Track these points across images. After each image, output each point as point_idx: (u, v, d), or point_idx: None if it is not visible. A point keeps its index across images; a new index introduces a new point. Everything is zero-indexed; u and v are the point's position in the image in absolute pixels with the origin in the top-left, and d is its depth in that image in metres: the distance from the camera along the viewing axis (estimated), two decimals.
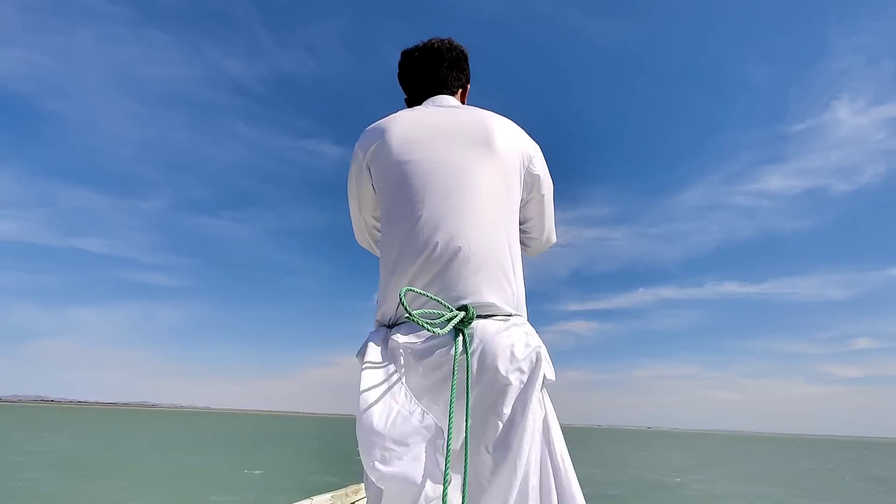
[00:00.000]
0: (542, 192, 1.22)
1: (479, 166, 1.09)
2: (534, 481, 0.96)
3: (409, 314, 0.92)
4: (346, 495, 2.75)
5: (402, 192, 1.09)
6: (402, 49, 1.32)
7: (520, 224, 1.21)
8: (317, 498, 2.31)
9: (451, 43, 1.29)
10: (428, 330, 0.94)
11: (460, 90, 1.32)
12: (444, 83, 1.27)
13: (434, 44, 1.28)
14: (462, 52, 1.30)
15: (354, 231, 1.33)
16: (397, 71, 1.34)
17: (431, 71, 1.27)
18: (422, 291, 1.01)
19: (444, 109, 1.20)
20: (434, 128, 1.13)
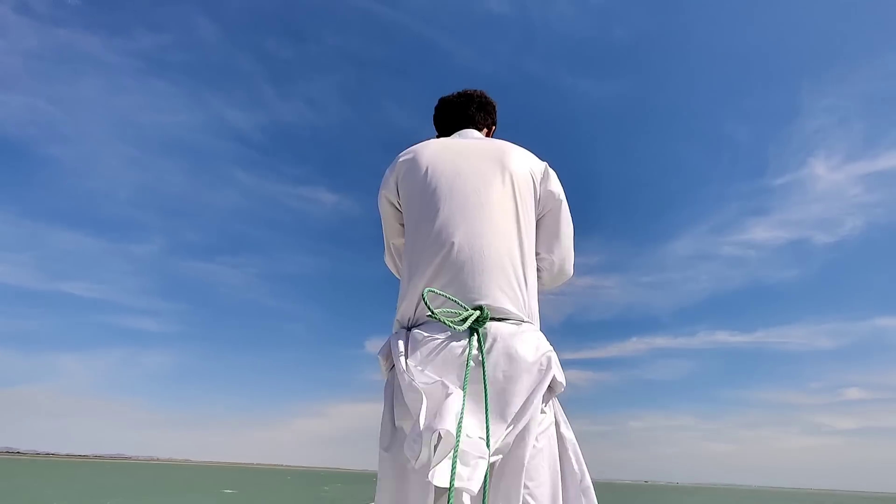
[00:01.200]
0: (553, 208, 1.30)
1: (494, 181, 1.21)
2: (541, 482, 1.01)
3: (431, 310, 1.00)
4: None
5: (424, 202, 1.22)
6: (441, 97, 1.53)
7: (537, 255, 1.30)
8: None
9: (482, 92, 1.51)
10: (446, 324, 1.01)
11: (486, 129, 1.50)
12: (471, 120, 1.46)
13: (468, 90, 1.50)
14: (491, 101, 1.51)
15: (384, 252, 1.46)
16: (433, 114, 1.54)
17: (462, 109, 1.47)
18: (440, 292, 1.09)
19: (467, 139, 1.37)
20: (457, 150, 1.29)
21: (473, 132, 1.42)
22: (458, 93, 1.49)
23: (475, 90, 1.49)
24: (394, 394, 1.09)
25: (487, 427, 0.97)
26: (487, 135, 1.50)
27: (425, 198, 1.22)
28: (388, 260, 1.46)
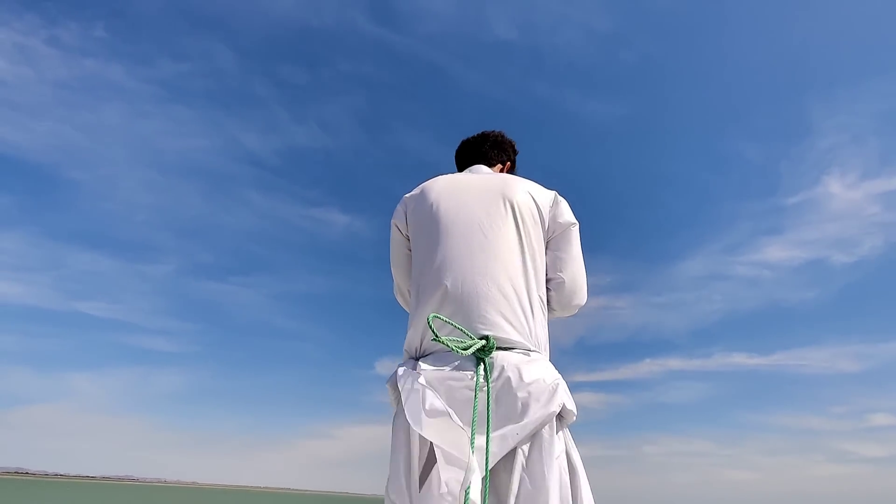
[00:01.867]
0: (561, 232, 1.31)
1: (496, 213, 1.24)
2: None
3: (436, 335, 1.01)
4: None
5: (429, 235, 1.26)
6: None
7: (547, 278, 1.30)
8: None
9: (500, 132, 1.58)
10: (450, 348, 1.03)
11: (500, 166, 1.55)
12: (484, 156, 1.53)
13: (486, 131, 1.58)
14: (507, 139, 1.58)
15: (394, 286, 1.49)
16: (455, 153, 1.62)
17: (477, 147, 1.55)
18: (447, 319, 1.10)
19: (476, 175, 1.40)
20: (463, 184, 1.34)
21: (483, 168, 1.47)
22: (478, 133, 1.58)
23: (494, 131, 1.57)
24: (409, 430, 1.06)
25: (487, 458, 0.97)
26: (501, 170, 1.54)
27: (430, 230, 1.26)
28: (397, 295, 1.49)
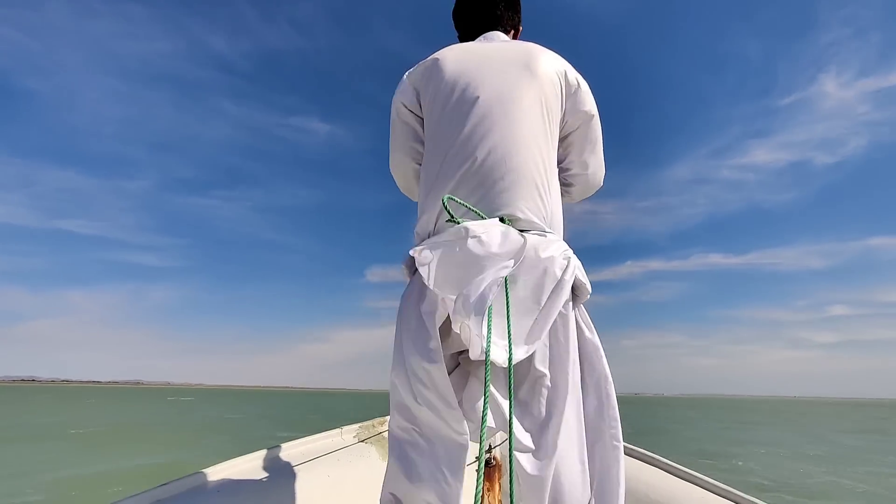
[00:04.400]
0: (586, 121, 1.23)
1: (521, 88, 1.14)
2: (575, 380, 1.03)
3: (452, 216, 0.97)
4: (374, 426, 3.02)
5: (447, 111, 1.16)
6: None
7: (561, 162, 1.25)
8: (346, 428, 2.56)
9: None
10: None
11: (513, 31, 1.37)
12: (499, 21, 1.34)
13: None
14: None
15: (391, 165, 1.35)
16: (453, 7, 1.39)
17: (489, 8, 1.33)
18: (461, 202, 1.04)
19: (493, 43, 1.27)
20: (482, 55, 1.21)
21: (500, 35, 1.31)
22: None
23: None
24: (421, 290, 1.05)
25: (509, 335, 0.94)
26: (514, 37, 1.38)
27: (448, 106, 1.16)
28: (400, 180, 1.37)
